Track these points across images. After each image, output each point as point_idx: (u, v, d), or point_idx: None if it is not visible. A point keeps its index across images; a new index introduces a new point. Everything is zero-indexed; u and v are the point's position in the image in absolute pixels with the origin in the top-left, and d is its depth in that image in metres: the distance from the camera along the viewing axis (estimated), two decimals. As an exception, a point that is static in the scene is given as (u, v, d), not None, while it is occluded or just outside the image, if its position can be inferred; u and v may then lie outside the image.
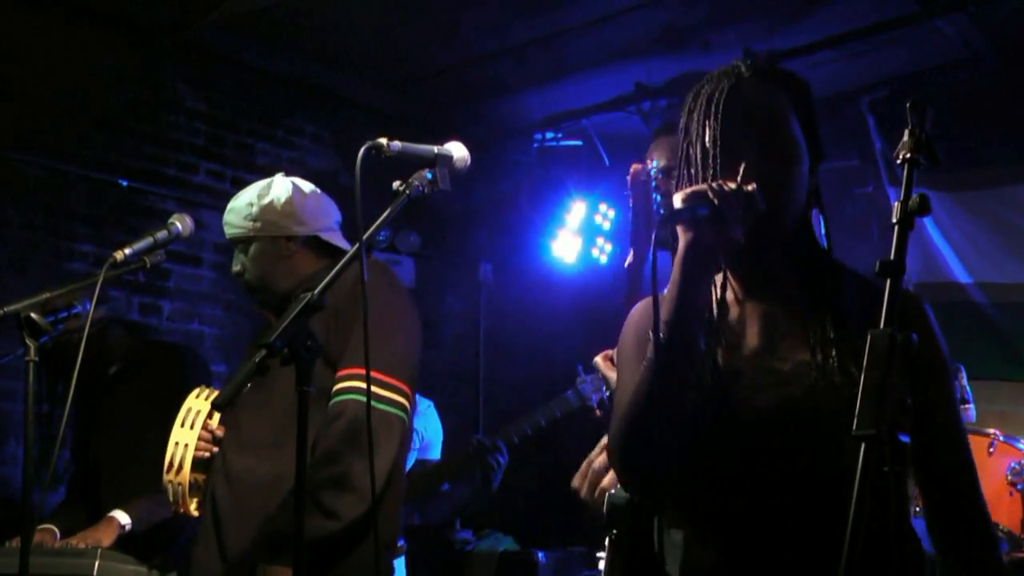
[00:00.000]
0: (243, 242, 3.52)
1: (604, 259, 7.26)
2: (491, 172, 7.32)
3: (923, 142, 1.65)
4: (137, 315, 6.03)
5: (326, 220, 3.59)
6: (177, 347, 4.75)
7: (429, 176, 2.51)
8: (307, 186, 3.61)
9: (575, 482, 2.70)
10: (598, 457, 2.69)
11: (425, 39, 6.40)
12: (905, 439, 1.47)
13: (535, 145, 7.33)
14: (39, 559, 3.46)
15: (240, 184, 4.71)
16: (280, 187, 3.54)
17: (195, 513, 3.42)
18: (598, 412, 2.75)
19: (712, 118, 2.01)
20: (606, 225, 7.24)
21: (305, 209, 3.54)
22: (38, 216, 5.72)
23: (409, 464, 5.13)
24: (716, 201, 1.86)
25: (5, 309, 3.04)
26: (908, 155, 1.65)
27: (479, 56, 6.60)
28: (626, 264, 2.75)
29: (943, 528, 2.04)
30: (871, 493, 1.45)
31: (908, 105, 1.67)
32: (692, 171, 2.04)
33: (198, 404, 3.46)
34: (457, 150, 2.58)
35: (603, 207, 7.23)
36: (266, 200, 3.50)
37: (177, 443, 3.38)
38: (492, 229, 7.62)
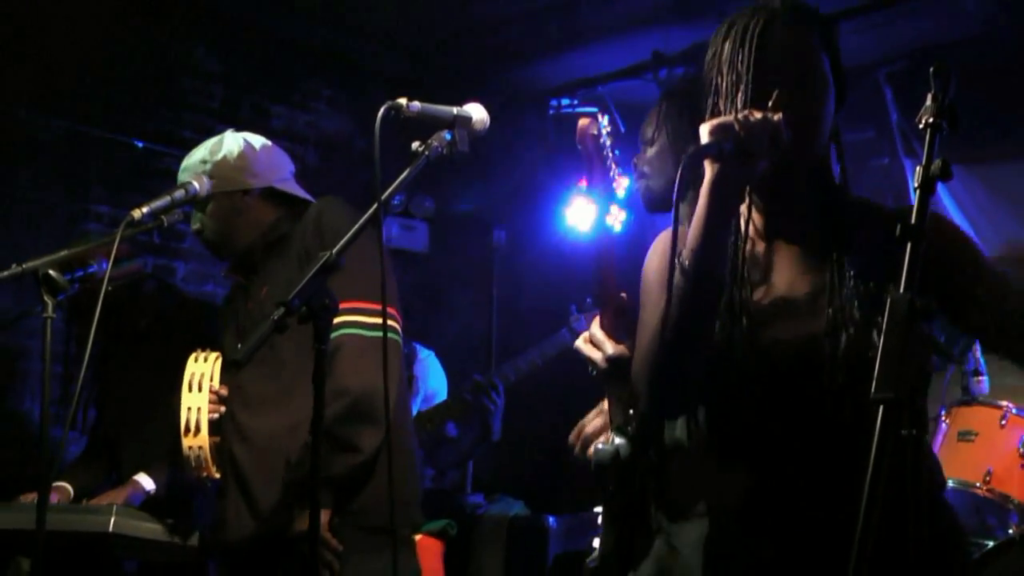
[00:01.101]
0: (200, 200, 3.55)
1: (619, 227, 7.24)
2: (506, 138, 7.29)
3: (946, 108, 1.65)
4: (152, 276, 6.04)
5: (280, 171, 3.63)
6: (205, 305, 4.76)
7: (448, 137, 2.51)
8: (258, 139, 3.64)
9: (571, 438, 2.75)
10: (593, 420, 2.73)
11: (441, 4, 6.38)
12: (923, 403, 1.47)
13: (551, 112, 7.30)
14: (55, 515, 3.49)
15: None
16: (231, 142, 3.58)
17: (217, 475, 3.45)
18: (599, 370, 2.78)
19: (746, 47, 2.03)
20: (621, 192, 7.21)
21: (258, 161, 3.58)
22: (54, 177, 5.72)
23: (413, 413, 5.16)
24: (742, 133, 1.88)
25: (24, 266, 3.06)
26: (931, 120, 1.64)
27: (496, 21, 6.58)
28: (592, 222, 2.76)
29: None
30: (889, 458, 1.46)
31: (932, 70, 1.67)
32: (722, 101, 2.06)
33: (200, 367, 3.48)
34: (476, 112, 2.58)
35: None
36: (219, 156, 3.54)
37: (189, 407, 3.41)
38: (506, 195, 7.60)
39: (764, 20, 2.05)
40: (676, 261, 1.95)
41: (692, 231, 1.96)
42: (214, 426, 3.43)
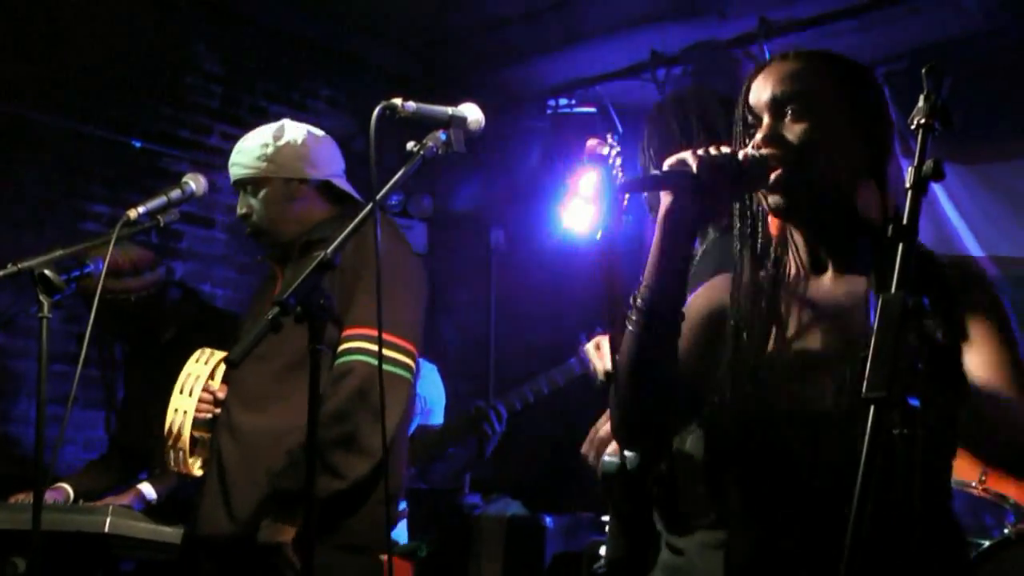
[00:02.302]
0: (253, 183, 3.48)
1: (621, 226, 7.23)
2: (504, 138, 7.30)
3: (938, 107, 1.64)
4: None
5: (336, 166, 3.59)
6: (229, 314, 4.73)
7: (443, 137, 2.51)
8: (319, 131, 3.59)
9: (583, 448, 2.74)
10: (604, 425, 2.72)
11: (441, 4, 6.38)
12: (915, 402, 1.46)
13: (548, 112, 7.31)
14: (52, 515, 3.49)
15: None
16: (294, 130, 3.52)
17: (197, 473, 3.42)
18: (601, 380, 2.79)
19: (747, 83, 2.01)
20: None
21: (320, 153, 3.53)
22: (54, 175, 5.73)
23: (411, 429, 5.17)
24: (695, 168, 1.85)
25: (20, 265, 3.05)
26: (923, 120, 1.64)
27: (495, 21, 6.59)
28: (597, 236, 2.75)
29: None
30: (881, 457, 1.45)
31: (924, 70, 1.65)
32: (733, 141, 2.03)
33: (197, 369, 3.45)
34: (471, 112, 2.59)
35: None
36: (282, 141, 3.47)
37: (176, 410, 3.38)
38: (504, 195, 7.61)
39: (769, 65, 2.02)
40: (632, 297, 1.93)
41: (647, 265, 1.92)
42: (205, 422, 3.41)
